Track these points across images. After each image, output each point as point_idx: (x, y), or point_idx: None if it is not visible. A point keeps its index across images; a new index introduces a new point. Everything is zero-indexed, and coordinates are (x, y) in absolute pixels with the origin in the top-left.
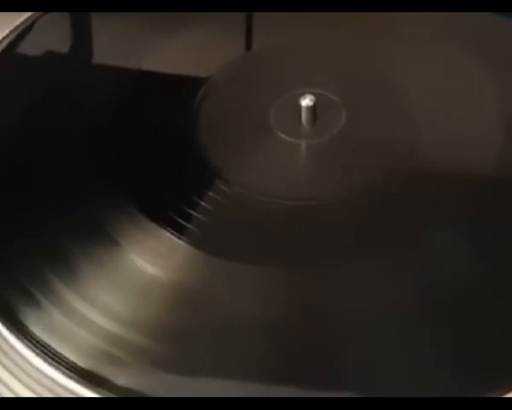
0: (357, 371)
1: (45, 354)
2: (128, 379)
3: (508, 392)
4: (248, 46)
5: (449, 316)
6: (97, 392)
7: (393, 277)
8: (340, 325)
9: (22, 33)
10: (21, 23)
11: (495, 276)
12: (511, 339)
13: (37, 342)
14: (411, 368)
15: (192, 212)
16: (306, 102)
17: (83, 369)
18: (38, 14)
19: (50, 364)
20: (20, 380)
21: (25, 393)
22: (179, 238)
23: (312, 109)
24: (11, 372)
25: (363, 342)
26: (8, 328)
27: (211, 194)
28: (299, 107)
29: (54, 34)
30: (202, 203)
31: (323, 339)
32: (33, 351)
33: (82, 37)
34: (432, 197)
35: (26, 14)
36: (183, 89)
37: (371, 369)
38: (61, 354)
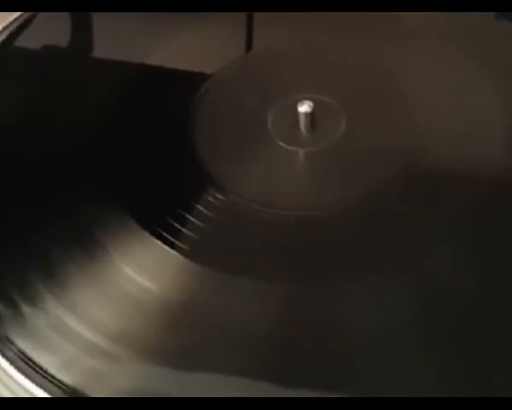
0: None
1: (29, 366)
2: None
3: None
4: (247, 49)
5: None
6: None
7: (394, 291)
8: (340, 340)
9: (21, 27)
10: (19, 16)
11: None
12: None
13: (21, 354)
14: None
15: (187, 222)
16: (305, 108)
17: (67, 385)
18: None
19: (33, 378)
20: None
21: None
22: (173, 248)
23: (311, 116)
24: None
25: (365, 353)
26: None
27: (206, 203)
28: (297, 113)
29: (54, 30)
30: (198, 213)
31: (323, 354)
32: (15, 365)
33: (83, 33)
34: (434, 207)
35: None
36: (180, 91)
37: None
38: (44, 368)
